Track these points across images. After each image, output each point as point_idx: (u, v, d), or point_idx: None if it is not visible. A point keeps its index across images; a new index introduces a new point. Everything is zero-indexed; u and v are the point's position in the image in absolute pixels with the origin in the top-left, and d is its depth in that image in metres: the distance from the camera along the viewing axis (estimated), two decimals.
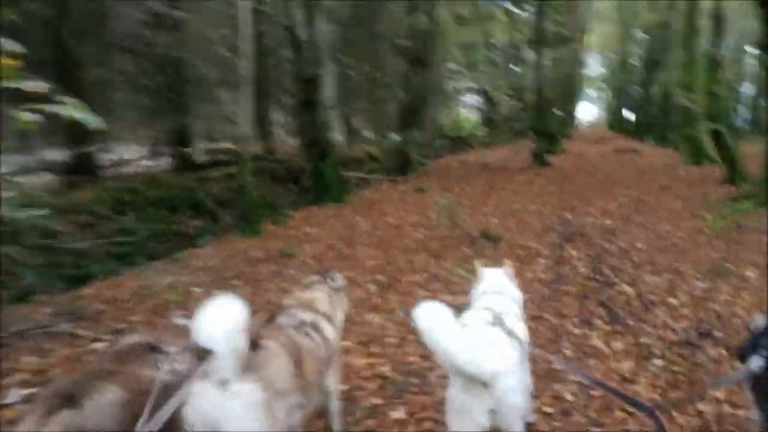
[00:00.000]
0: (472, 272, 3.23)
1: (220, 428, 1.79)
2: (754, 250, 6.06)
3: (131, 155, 19.96)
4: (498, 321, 2.38)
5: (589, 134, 39.81)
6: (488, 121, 29.05)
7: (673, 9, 17.02)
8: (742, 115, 29.71)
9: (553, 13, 17.96)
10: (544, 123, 16.58)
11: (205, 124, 18.17)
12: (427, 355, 3.50)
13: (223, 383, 1.80)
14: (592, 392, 3.30)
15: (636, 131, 29.22)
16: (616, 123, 43.23)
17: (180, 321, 2.51)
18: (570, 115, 35.12)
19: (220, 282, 6.01)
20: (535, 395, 3.13)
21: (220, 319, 1.76)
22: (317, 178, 11.13)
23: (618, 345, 4.03)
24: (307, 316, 2.49)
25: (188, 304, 4.93)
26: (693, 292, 5.03)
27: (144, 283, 5.88)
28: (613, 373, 3.61)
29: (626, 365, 3.70)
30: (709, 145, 13.52)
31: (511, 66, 26.54)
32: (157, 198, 13.10)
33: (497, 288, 2.84)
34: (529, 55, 21.62)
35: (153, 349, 2.06)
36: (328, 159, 10.91)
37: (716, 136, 9.94)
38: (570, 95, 28.32)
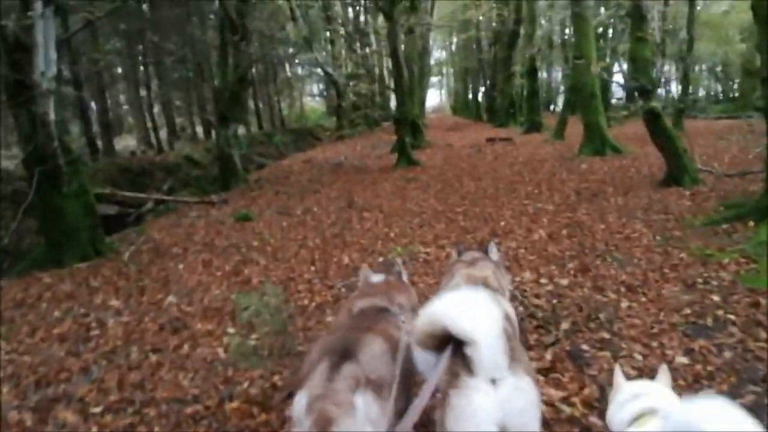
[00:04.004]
0: None
1: (504, 428, 1.51)
2: None
3: None
4: None
5: (439, 121, 37.74)
6: (337, 110, 25.19)
7: None
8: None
9: None
10: (405, 110, 13.05)
11: None
12: None
13: (494, 380, 1.53)
14: None
15: (491, 116, 27.41)
16: (462, 107, 42.20)
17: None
18: (421, 100, 32.78)
19: None
20: None
21: (484, 310, 1.58)
22: (49, 219, 6.35)
23: None
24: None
25: None
26: None
27: None
28: None
29: None
30: (608, 131, 11.12)
31: (357, 44, 22.75)
32: None
33: None
34: (378, 27, 18.21)
35: (386, 311, 2.15)
36: (65, 186, 6.17)
37: (652, 117, 7.09)
38: (421, 77, 25.45)
